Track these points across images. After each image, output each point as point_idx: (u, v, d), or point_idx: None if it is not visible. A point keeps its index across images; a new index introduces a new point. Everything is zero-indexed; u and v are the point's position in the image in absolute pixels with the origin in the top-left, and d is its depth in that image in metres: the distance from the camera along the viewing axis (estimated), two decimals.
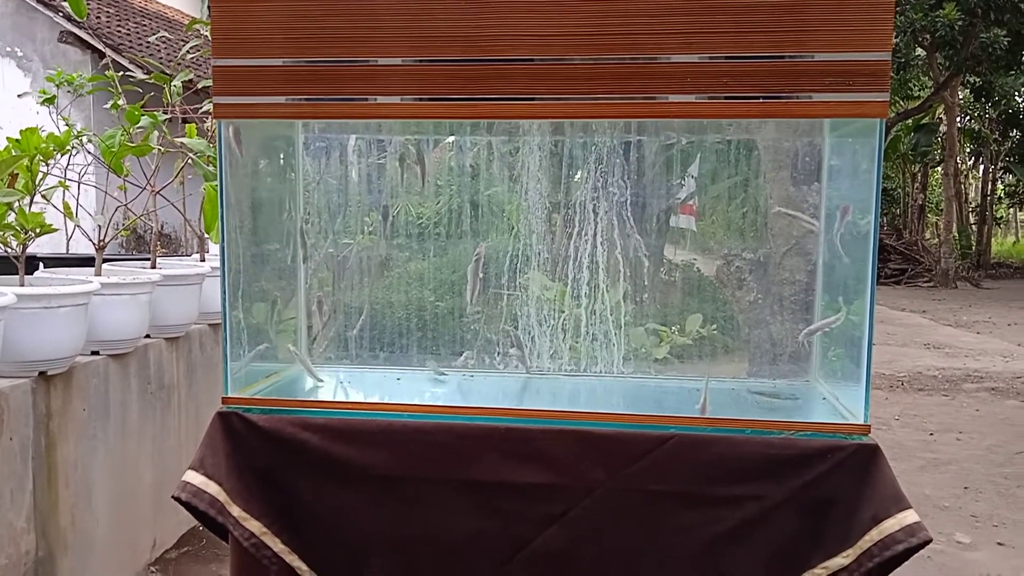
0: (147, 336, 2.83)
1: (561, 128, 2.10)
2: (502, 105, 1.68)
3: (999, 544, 3.41)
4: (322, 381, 2.03)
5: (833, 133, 1.94)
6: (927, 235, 20.15)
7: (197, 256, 3.63)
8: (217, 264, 1.85)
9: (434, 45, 1.65)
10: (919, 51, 14.12)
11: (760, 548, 1.61)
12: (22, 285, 2.32)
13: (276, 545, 1.65)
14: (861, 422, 1.63)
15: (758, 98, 1.60)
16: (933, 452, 4.72)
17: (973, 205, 22.38)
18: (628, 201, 2.07)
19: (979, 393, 6.33)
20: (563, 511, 1.65)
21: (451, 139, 2.26)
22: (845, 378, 1.85)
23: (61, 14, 9.08)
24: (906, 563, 1.53)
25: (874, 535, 1.51)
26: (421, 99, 1.68)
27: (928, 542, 1.49)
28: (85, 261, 3.15)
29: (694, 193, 2.16)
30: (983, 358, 7.82)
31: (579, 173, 2.14)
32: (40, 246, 2.88)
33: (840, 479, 1.57)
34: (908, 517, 1.51)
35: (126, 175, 3.01)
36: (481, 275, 2.04)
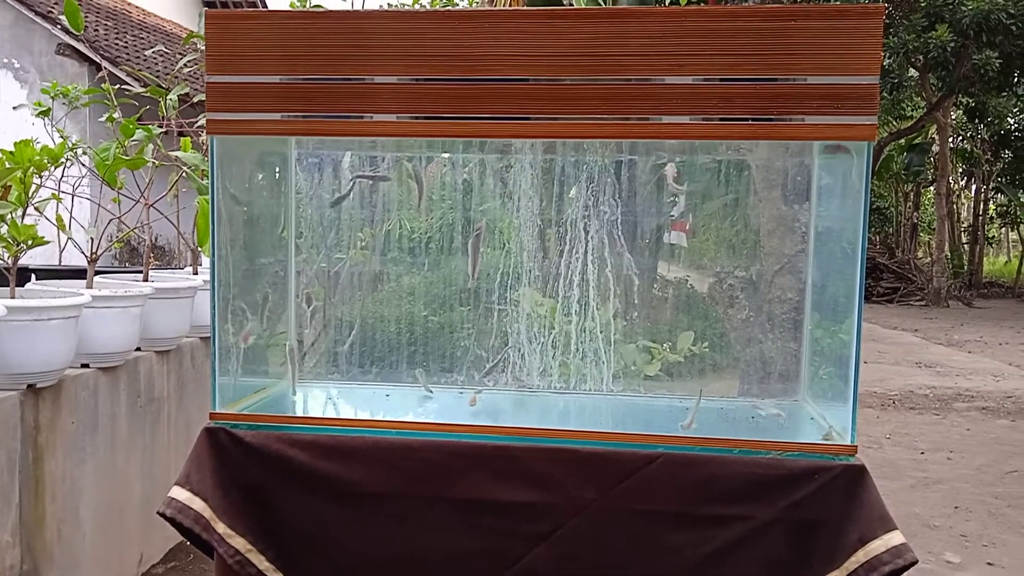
0: (138, 349, 2.82)
1: (553, 147, 2.11)
2: (496, 124, 1.69)
3: (989, 564, 3.41)
4: (295, 395, 2.03)
5: (823, 154, 1.95)
6: (919, 254, 20.24)
7: (190, 269, 3.62)
8: (209, 277, 1.86)
9: (429, 64, 1.66)
10: (912, 72, 14.23)
11: (747, 568, 1.61)
12: (13, 297, 2.31)
13: (261, 563, 1.65)
14: (848, 443, 1.64)
15: (749, 120, 1.61)
16: (924, 471, 4.72)
17: (965, 225, 22.49)
18: (619, 220, 2.09)
19: (970, 412, 6.34)
20: (552, 529, 1.65)
21: (444, 156, 2.27)
22: (834, 398, 1.85)
23: (59, 27, 9.10)
24: None
25: (860, 556, 1.52)
26: (416, 117, 1.69)
27: (914, 563, 1.49)
28: (78, 273, 3.15)
29: (685, 211, 2.18)
30: (974, 377, 7.84)
31: (572, 190, 2.15)
32: (33, 257, 2.88)
33: (827, 500, 1.58)
34: (894, 538, 1.51)
35: (120, 188, 3.01)
36: (482, 250, 2.05)
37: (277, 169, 2.17)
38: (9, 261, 2.39)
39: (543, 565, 1.64)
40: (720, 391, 2.17)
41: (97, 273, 2.86)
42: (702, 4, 5.27)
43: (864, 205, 1.65)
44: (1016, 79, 13.95)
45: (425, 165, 2.24)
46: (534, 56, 1.64)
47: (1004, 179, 19.58)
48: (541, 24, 1.64)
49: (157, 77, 4.19)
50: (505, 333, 2.14)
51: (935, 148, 17.62)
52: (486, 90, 1.66)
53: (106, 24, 10.70)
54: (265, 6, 15.43)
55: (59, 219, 2.93)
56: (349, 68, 1.69)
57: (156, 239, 7.43)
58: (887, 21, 12.11)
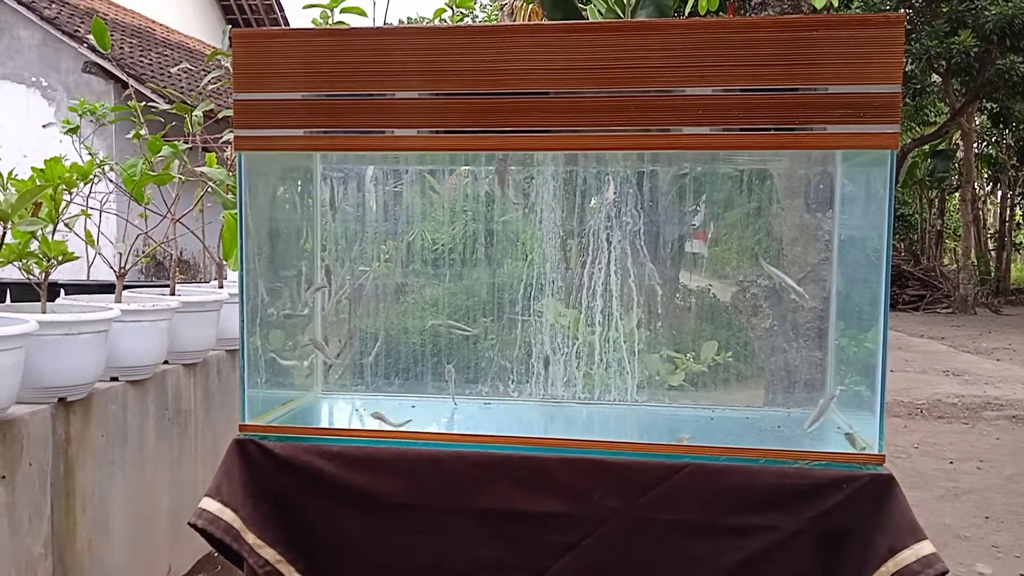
0: (165, 362, 2.86)
1: (575, 158, 2.13)
2: (517, 138, 1.71)
3: (1021, 575, 3.36)
4: (333, 360, 2.06)
5: (845, 162, 1.95)
6: (945, 261, 20.01)
7: (215, 283, 3.67)
8: (235, 291, 1.88)
9: (450, 79, 1.68)
10: (935, 77, 14.12)
11: None
12: (44, 312, 2.35)
13: (291, 573, 1.66)
14: (876, 452, 1.63)
15: (770, 130, 1.62)
16: (953, 481, 4.66)
17: (992, 231, 22.23)
18: (641, 230, 2.09)
19: (999, 421, 6.25)
20: (578, 540, 1.65)
21: (466, 168, 2.29)
22: (860, 407, 1.84)
23: (86, 45, 9.27)
24: None
25: (890, 566, 1.50)
26: (437, 132, 1.71)
27: (944, 573, 1.48)
28: (105, 288, 3.20)
29: (706, 220, 2.18)
30: (1003, 385, 7.73)
31: (593, 201, 2.16)
32: (62, 273, 2.93)
33: (855, 509, 1.56)
34: (924, 548, 1.50)
35: (147, 203, 3.06)
36: (510, 176, 2.06)
37: (299, 183, 2.20)
38: (40, 276, 2.44)
39: (569, 575, 1.64)
40: (745, 400, 2.16)
41: (125, 288, 2.90)
42: (721, 15, 5.27)
43: (888, 213, 1.64)
44: None
45: (446, 176, 2.26)
46: (554, 70, 1.65)
47: None
48: (561, 38, 1.66)
49: (182, 94, 4.25)
50: (529, 344, 2.15)
51: (959, 154, 17.44)
52: (507, 104, 1.67)
53: (131, 42, 10.87)
54: (287, 23, 15.61)
55: (88, 235, 2.98)
56: (371, 84, 1.71)
57: (182, 254, 7.52)
58: (909, 27, 12.05)
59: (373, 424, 2.08)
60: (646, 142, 1.69)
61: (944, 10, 12.31)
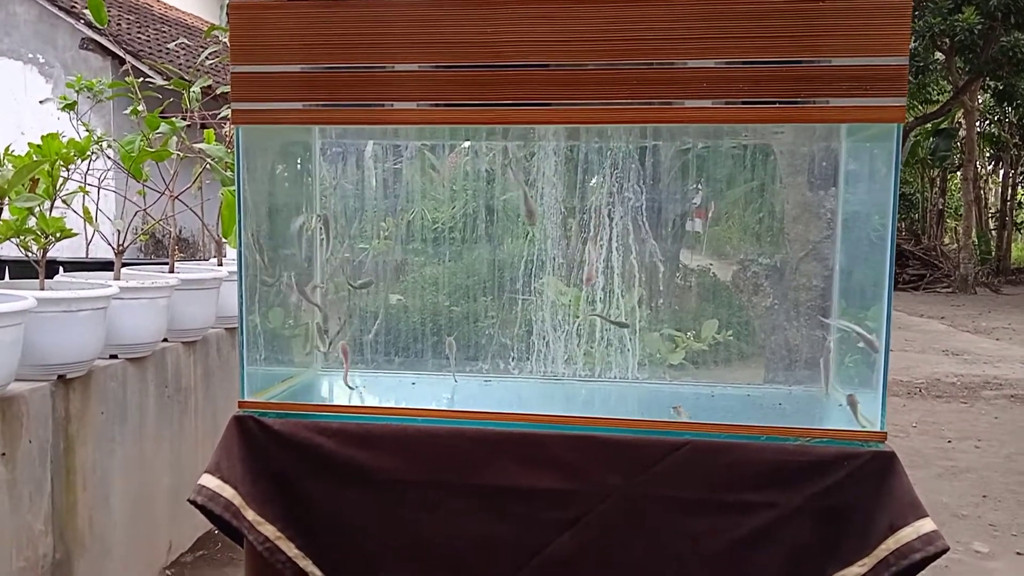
0: (165, 340, 2.85)
1: (576, 133, 2.10)
2: (517, 111, 1.69)
3: (1018, 554, 3.37)
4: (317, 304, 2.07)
5: (850, 137, 1.93)
6: (946, 240, 19.98)
7: (215, 260, 3.65)
8: (234, 268, 1.87)
9: (450, 51, 1.66)
10: (938, 55, 14.01)
11: (775, 556, 1.60)
12: (42, 289, 2.34)
13: (290, 550, 1.66)
14: (877, 429, 1.62)
15: (775, 102, 1.60)
16: (951, 460, 4.67)
17: (993, 210, 22.16)
18: (643, 206, 2.07)
19: (998, 400, 6.26)
20: (577, 517, 1.65)
21: (466, 144, 2.27)
22: (861, 385, 1.83)
23: (82, 21, 9.19)
24: (923, 572, 1.51)
25: (891, 543, 1.50)
26: (437, 105, 1.69)
27: (945, 551, 1.48)
28: (104, 265, 3.19)
29: (707, 198, 2.17)
30: (1002, 365, 7.74)
31: (595, 178, 2.14)
32: (60, 250, 2.91)
33: (856, 487, 1.56)
34: (925, 525, 1.49)
35: (145, 180, 3.04)
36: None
37: (299, 159, 2.18)
38: (38, 253, 2.42)
39: (568, 552, 1.65)
40: (746, 379, 2.16)
41: (124, 265, 2.89)
42: None
43: (894, 187, 1.63)
44: None
45: (447, 153, 2.24)
46: (556, 42, 1.63)
47: None
48: (562, 9, 1.63)
49: (179, 70, 4.21)
50: (529, 322, 2.14)
51: (962, 133, 17.35)
52: (507, 76, 1.65)
53: (128, 18, 10.78)
54: None
55: (86, 211, 2.96)
56: (370, 56, 1.68)
57: (180, 231, 7.49)
58: (912, 4, 11.90)
59: (372, 401, 2.08)
60: (648, 115, 1.67)
61: None
